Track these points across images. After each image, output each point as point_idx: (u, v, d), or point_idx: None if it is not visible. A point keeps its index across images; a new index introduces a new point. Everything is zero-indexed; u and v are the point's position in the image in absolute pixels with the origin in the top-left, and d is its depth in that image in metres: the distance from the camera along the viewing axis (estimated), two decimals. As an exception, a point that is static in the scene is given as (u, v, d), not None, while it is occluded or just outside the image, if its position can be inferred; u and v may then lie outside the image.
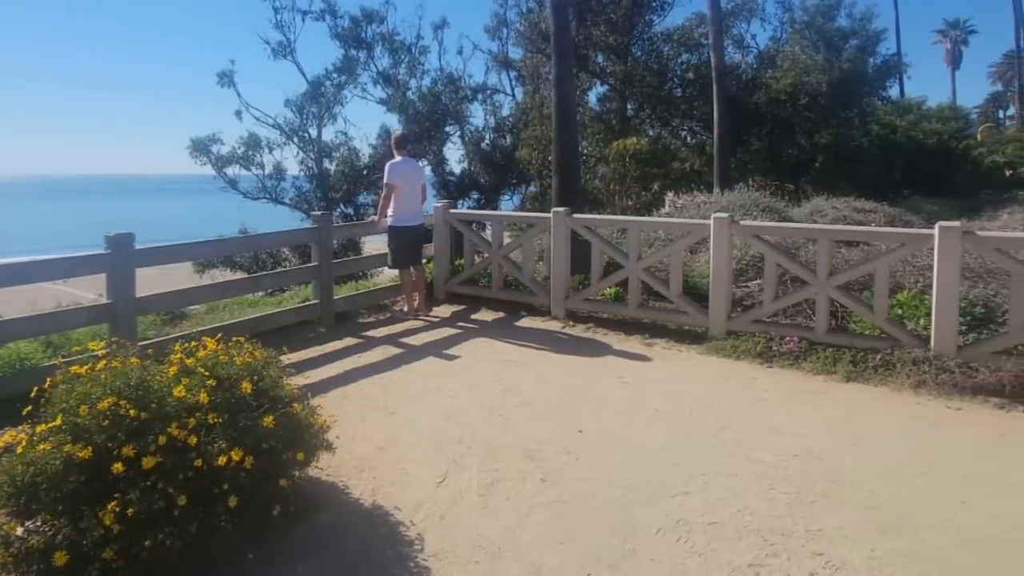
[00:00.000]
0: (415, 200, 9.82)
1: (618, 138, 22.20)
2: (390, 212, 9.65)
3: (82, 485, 3.54)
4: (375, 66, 29.06)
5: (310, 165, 28.07)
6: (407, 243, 9.74)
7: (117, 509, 3.43)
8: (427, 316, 9.86)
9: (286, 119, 27.99)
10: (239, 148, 27.10)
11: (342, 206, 27.30)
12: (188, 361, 4.23)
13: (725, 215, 8.28)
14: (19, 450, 3.69)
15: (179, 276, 16.08)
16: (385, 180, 9.65)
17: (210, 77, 27.38)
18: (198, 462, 3.69)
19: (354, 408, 6.42)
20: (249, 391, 4.16)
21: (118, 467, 3.53)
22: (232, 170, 27.29)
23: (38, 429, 3.75)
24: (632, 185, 20.55)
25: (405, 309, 9.96)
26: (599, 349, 8.26)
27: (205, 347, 4.43)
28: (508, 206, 28.01)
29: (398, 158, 9.74)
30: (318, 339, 8.73)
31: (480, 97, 29.90)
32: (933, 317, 6.96)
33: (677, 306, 8.60)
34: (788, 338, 7.64)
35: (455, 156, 38.95)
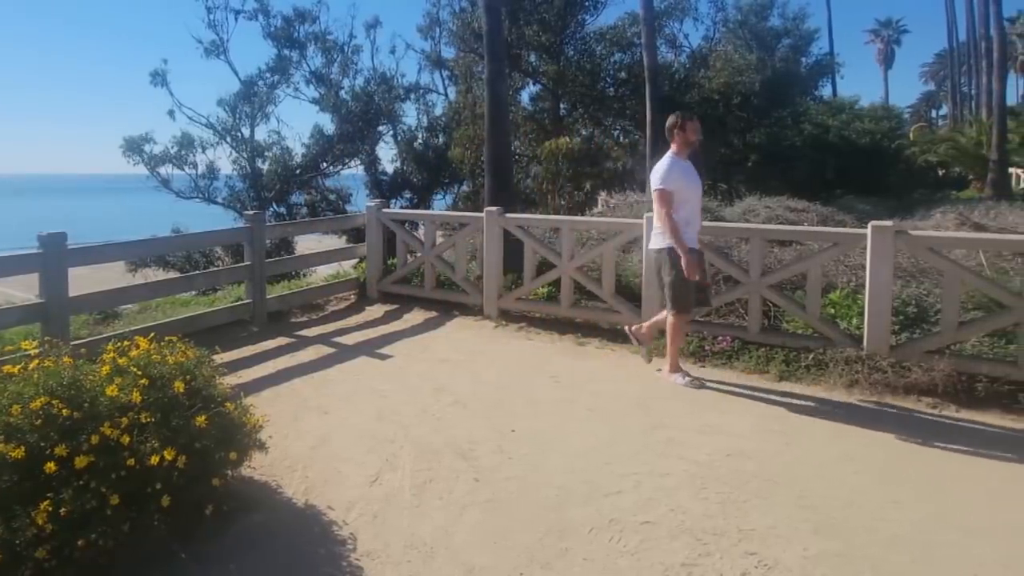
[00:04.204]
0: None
1: (551, 138, 22.25)
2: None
3: (15, 485, 3.52)
4: (308, 65, 28.75)
5: (243, 164, 27.69)
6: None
7: (50, 508, 3.42)
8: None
9: (219, 118, 27.60)
10: (172, 147, 26.62)
11: (275, 205, 27.05)
12: (121, 360, 4.21)
13: (656, 215, 8.36)
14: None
15: (112, 276, 15.83)
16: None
17: (143, 76, 26.90)
18: (131, 461, 3.68)
19: (287, 407, 6.41)
20: (182, 390, 4.16)
21: (51, 467, 3.52)
22: (165, 169, 26.79)
23: (-30, 429, 3.70)
24: (565, 184, 20.61)
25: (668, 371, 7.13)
26: (532, 348, 8.33)
27: (138, 346, 4.41)
28: (441, 205, 28.00)
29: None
30: (251, 338, 8.68)
31: (413, 96, 29.77)
32: (866, 316, 7.03)
33: (610, 305, 8.67)
34: (721, 337, 7.74)
35: (388, 156, 38.68)
